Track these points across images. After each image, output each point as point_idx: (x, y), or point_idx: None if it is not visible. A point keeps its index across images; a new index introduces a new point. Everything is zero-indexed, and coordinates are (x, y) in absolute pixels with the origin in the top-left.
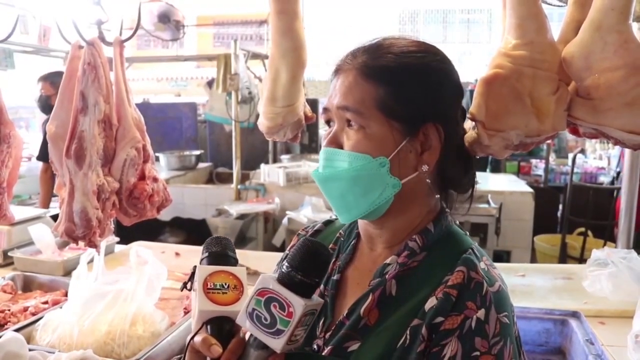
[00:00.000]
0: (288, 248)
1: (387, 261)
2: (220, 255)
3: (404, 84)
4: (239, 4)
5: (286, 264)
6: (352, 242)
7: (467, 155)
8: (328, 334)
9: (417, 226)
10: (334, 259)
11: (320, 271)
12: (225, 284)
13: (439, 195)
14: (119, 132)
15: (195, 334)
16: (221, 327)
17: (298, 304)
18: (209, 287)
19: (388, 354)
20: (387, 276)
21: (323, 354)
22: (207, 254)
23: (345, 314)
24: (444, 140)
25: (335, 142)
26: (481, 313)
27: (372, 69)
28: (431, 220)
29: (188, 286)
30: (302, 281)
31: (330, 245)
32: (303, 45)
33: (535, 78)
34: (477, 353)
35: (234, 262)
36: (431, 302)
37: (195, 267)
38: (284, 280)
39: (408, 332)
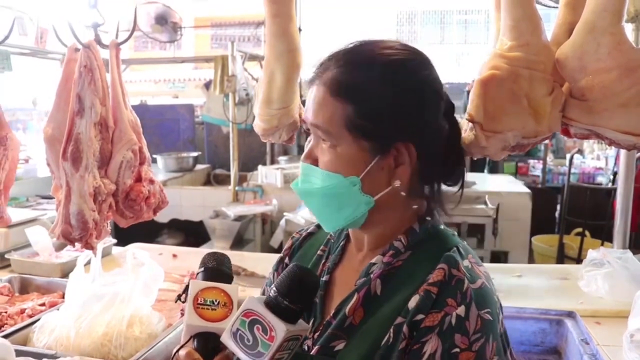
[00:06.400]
0: (283, 250)
1: (373, 261)
2: (215, 271)
3: (373, 103)
4: (236, 6)
5: (274, 288)
6: (342, 244)
7: (456, 148)
8: (316, 334)
9: (402, 228)
10: (323, 261)
11: (307, 298)
12: (216, 301)
13: (425, 200)
14: (115, 135)
15: (182, 346)
16: (206, 343)
17: (280, 329)
18: (199, 302)
19: (373, 352)
20: (372, 275)
21: (311, 353)
22: (202, 269)
23: (332, 314)
24: (423, 149)
25: (311, 157)
26: (461, 310)
27: (340, 86)
28: (417, 220)
29: (182, 298)
30: (288, 307)
31: (321, 247)
32: (298, 47)
33: (532, 79)
34: (457, 350)
35: (229, 278)
36: (414, 300)
37: (189, 280)
38: (271, 304)
39: (392, 330)
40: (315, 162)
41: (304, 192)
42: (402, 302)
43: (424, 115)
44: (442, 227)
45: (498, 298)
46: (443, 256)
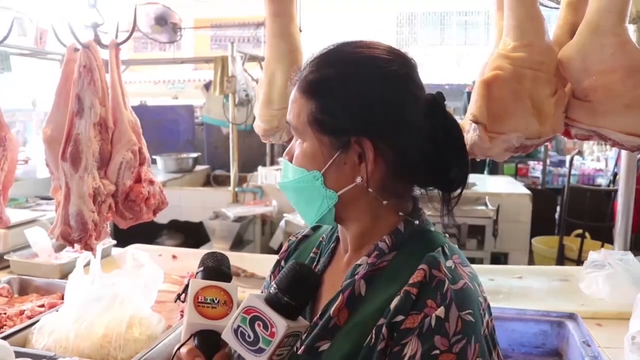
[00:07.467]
0: (280, 253)
1: (359, 262)
2: (215, 270)
3: (332, 98)
4: (236, 7)
5: (274, 285)
6: (332, 246)
7: (450, 151)
8: (304, 334)
9: (383, 228)
10: (315, 263)
11: (307, 294)
12: (216, 299)
13: (410, 201)
14: (114, 135)
15: (183, 344)
16: (207, 341)
17: (281, 325)
18: (199, 300)
19: (355, 353)
20: (356, 276)
21: (298, 353)
22: (202, 269)
23: (318, 315)
24: (389, 146)
25: (289, 154)
26: (440, 311)
27: (307, 84)
28: (402, 221)
29: (182, 298)
30: (289, 303)
31: (314, 250)
32: (298, 47)
33: (536, 80)
34: (437, 351)
35: (228, 278)
36: (395, 301)
37: (189, 280)
38: (271, 300)
39: (374, 331)
40: (292, 158)
41: (281, 186)
42: (385, 303)
43: (389, 112)
44: (430, 227)
45: (485, 299)
46: (425, 257)
